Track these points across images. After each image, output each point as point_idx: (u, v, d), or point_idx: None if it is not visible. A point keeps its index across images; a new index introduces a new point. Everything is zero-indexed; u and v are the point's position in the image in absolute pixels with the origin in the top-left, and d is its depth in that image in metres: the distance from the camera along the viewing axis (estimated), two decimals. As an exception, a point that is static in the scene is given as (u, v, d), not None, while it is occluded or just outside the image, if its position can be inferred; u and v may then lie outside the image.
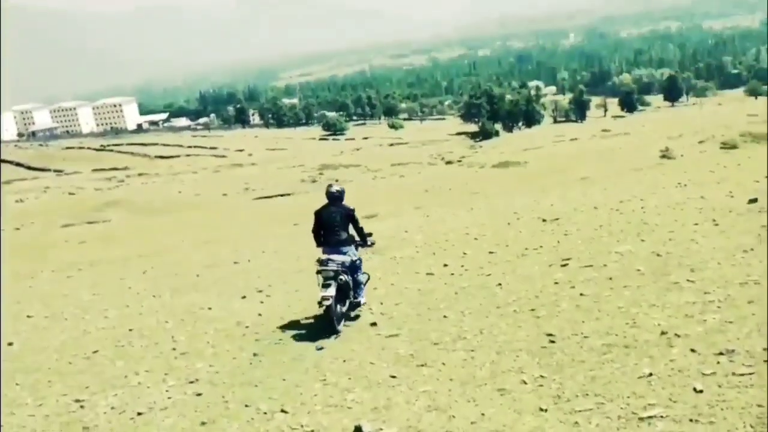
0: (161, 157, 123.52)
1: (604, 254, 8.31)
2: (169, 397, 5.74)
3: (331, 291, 7.12)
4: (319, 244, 8.01)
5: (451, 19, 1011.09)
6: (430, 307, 7.31)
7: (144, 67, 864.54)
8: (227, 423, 4.95)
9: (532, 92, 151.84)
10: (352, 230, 8.06)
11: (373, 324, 6.99)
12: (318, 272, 7.47)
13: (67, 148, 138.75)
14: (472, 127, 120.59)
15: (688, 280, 6.36)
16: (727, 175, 14.94)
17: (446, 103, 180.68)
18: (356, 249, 8.01)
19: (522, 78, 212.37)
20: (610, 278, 7.06)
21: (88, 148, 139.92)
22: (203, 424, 5.00)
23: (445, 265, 9.60)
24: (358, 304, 7.83)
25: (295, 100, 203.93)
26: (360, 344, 6.38)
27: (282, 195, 63.61)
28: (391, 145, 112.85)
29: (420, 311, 7.24)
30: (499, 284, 7.77)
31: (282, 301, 8.99)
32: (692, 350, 4.56)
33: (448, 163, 75.84)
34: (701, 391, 3.85)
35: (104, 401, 5.92)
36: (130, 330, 8.62)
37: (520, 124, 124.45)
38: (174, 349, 7.35)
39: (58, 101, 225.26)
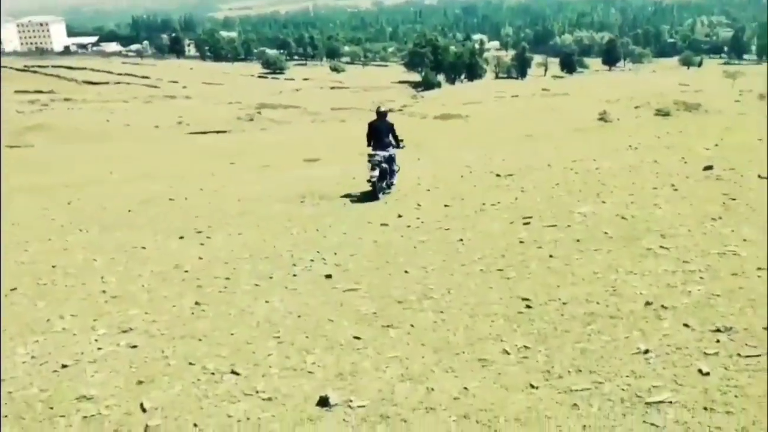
0: (89, 82, 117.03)
1: (566, 214, 8.04)
2: (99, 348, 5.07)
3: (376, 172, 11.07)
4: (368, 145, 11.74)
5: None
6: (388, 261, 6.85)
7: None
8: (168, 383, 4.33)
9: (476, 46, 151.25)
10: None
11: (328, 276, 6.47)
12: (368, 161, 11.29)
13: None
14: (415, 77, 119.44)
15: (661, 247, 6.13)
16: (675, 141, 15.02)
17: (390, 49, 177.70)
18: (393, 149, 11.84)
19: (466, 30, 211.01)
20: (578, 240, 6.77)
21: (10, 67, 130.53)
22: (140, 383, 4.37)
23: (400, 216, 9.15)
24: (392, 185, 11.66)
25: (233, 34, 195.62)
26: (315, 298, 5.85)
27: (218, 132, 61.56)
28: (332, 88, 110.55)
29: (378, 264, 6.77)
30: (461, 240, 7.37)
31: (224, 245, 8.34)
32: (685, 325, 4.28)
33: (390, 111, 75.14)
34: (708, 374, 3.56)
35: (23, 348, 5.21)
36: (53, 266, 7.80)
37: (462, 76, 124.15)
38: (104, 291, 6.63)
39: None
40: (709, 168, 9.95)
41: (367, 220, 9.09)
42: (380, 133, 11.67)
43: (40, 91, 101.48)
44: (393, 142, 11.81)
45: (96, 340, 5.23)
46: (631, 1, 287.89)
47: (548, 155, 14.77)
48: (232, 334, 5.08)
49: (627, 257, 5.93)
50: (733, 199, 7.71)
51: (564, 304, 4.94)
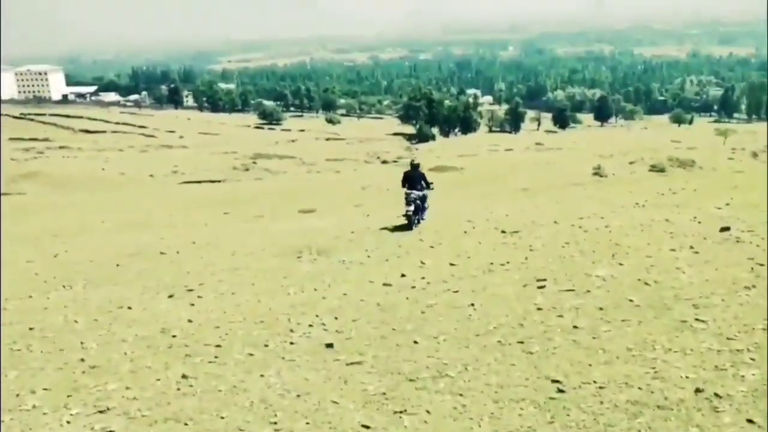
0: (86, 131, 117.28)
1: (582, 277, 7.54)
2: (69, 433, 4.46)
3: (412, 207, 13.30)
4: (403, 187, 13.90)
5: (395, 20, 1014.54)
6: (394, 328, 6.29)
7: (74, 36, 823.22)
8: (146, 480, 3.73)
9: (470, 100, 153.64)
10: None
11: (329, 345, 5.89)
12: (405, 198, 13.44)
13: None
14: (410, 129, 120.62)
15: (697, 319, 5.61)
16: (681, 199, 14.66)
17: (385, 102, 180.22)
18: (425, 190, 14.03)
19: (461, 85, 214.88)
20: (601, 308, 6.25)
21: (7, 115, 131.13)
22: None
23: (403, 275, 8.62)
24: (422, 219, 13.81)
25: (231, 86, 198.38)
26: (315, 372, 5.25)
27: (212, 181, 61.33)
28: (328, 139, 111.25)
29: (383, 332, 6.21)
30: (472, 305, 6.84)
31: (216, 305, 7.76)
32: (749, 421, 3.74)
33: (384, 162, 75.29)
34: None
35: (-14, 427, 4.58)
36: (31, 329, 7.19)
37: (456, 130, 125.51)
38: (82, 360, 6.02)
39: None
40: (726, 229, 9.53)
41: (368, 279, 8.55)
42: (414, 179, 14.07)
43: (36, 139, 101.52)
44: (425, 186, 14.17)
45: (68, 422, 4.60)
46: (621, 60, 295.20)
47: (551, 211, 14.36)
48: (222, 418, 4.47)
49: (661, 331, 5.40)
50: (761, 265, 7.24)
51: (601, 388, 4.37)
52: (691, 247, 8.56)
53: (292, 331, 6.43)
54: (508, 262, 8.74)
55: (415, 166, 14.56)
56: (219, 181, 61.11)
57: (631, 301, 6.34)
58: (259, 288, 8.52)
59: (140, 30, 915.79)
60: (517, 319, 6.19)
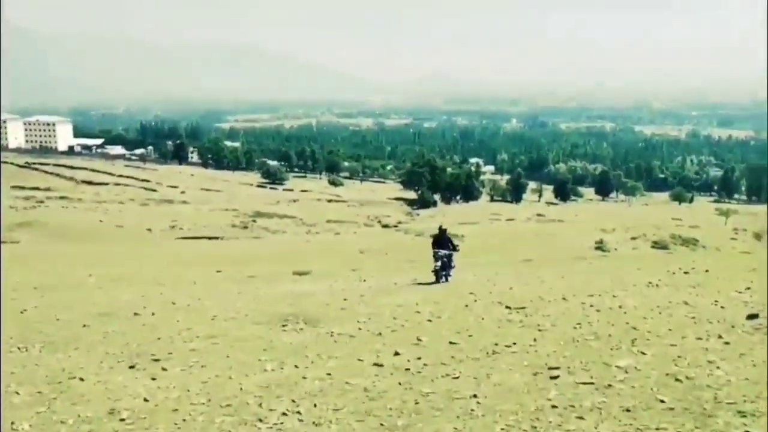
0: (88, 182, 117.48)
1: (600, 367, 6.59)
2: None
3: (439, 263, 15.46)
4: (433, 247, 15.89)
5: (401, 87, 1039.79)
6: (383, 423, 5.31)
7: (86, 91, 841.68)
8: None
9: (473, 168, 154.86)
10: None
11: (305, 441, 4.92)
12: (434, 256, 15.63)
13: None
14: (411, 195, 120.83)
15: (749, 432, 4.67)
16: (697, 280, 13.78)
17: (388, 167, 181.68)
18: (451, 251, 16.11)
19: (464, 154, 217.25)
20: (628, 410, 5.29)
21: (11, 163, 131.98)
22: None
23: (397, 354, 7.66)
24: (449, 275, 15.60)
25: (237, 144, 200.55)
26: (281, 480, 4.28)
27: (210, 237, 60.69)
28: (329, 201, 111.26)
29: (370, 426, 5.24)
30: (474, 396, 5.87)
31: (180, 381, 6.78)
32: None
33: (385, 226, 74.77)
34: None
35: None
36: (-35, 400, 6.20)
37: (458, 197, 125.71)
38: (8, 444, 5.04)
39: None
40: (754, 317, 8.62)
41: (357, 357, 7.59)
42: (442, 241, 16.12)
43: (37, 188, 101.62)
44: (452, 247, 16.33)
45: None
46: (622, 136, 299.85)
47: (558, 285, 13.46)
48: None
49: (707, 445, 4.45)
50: (806, 361, 6.33)
51: None
52: (720, 336, 7.63)
53: (261, 420, 5.44)
54: (514, 344, 7.80)
55: (443, 231, 17.00)
56: (217, 238, 60.42)
57: (662, 401, 5.39)
58: (233, 361, 7.55)
59: (152, 86, 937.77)
60: (528, 418, 5.22)
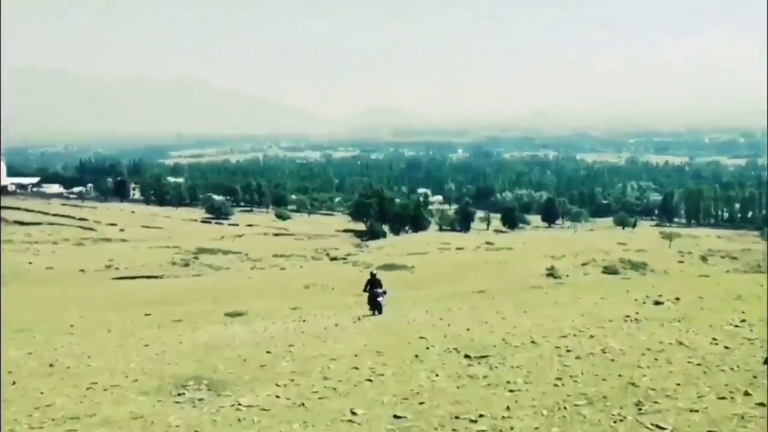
0: (19, 222, 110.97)
1: (604, 451, 4.63)
2: None
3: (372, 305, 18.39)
4: (364, 290, 19.42)
5: (348, 120, 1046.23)
6: None
7: (22, 128, 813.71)
8: None
9: (421, 198, 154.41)
10: None
11: None
12: (367, 293, 19.10)
13: None
14: (360, 226, 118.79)
15: None
16: (677, 312, 12.14)
17: (336, 200, 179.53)
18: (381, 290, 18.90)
19: (411, 184, 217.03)
20: None
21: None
22: None
23: (320, 438, 5.53)
24: (381, 312, 17.90)
25: (180, 179, 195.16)
26: None
27: (148, 277, 57.09)
28: (276, 235, 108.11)
29: None
30: None
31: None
32: None
33: (333, 259, 72.37)
34: None
35: None
36: None
37: (407, 227, 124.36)
38: None
39: None
40: (772, 360, 6.87)
41: (265, 447, 5.42)
42: (374, 283, 18.85)
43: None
44: (381, 287, 18.93)
45: None
46: (565, 164, 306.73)
47: (521, 324, 11.59)
48: None
49: None
50: None
51: None
52: (747, 393, 5.82)
53: None
54: (481, 416, 5.77)
55: (373, 275, 19.43)
56: (156, 277, 56.91)
57: None
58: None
59: (93, 124, 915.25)
60: None
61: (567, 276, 52.84)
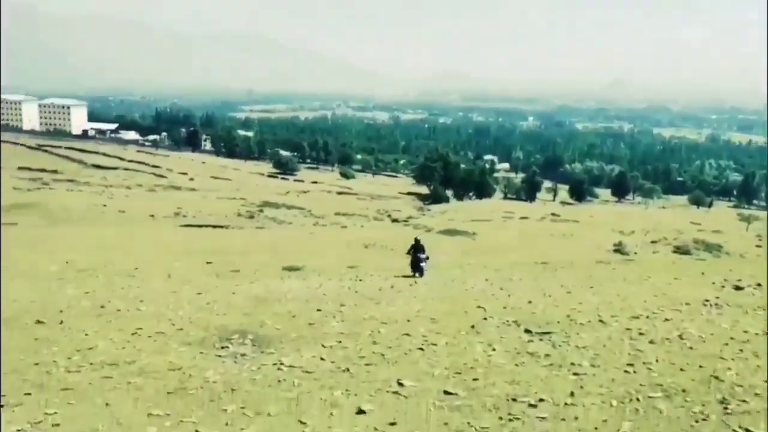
0: (97, 166, 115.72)
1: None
2: None
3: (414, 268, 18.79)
4: (407, 253, 19.79)
5: (418, 83, 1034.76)
6: None
7: (105, 77, 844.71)
8: None
9: (487, 165, 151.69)
10: None
11: None
12: (409, 254, 19.57)
13: (1, 141, 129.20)
14: (424, 190, 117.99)
15: None
16: (760, 298, 11.06)
17: (402, 161, 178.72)
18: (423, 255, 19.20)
19: (478, 150, 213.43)
20: None
21: (23, 144, 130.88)
22: None
23: (361, 412, 5.07)
24: (423, 272, 18.77)
25: (250, 133, 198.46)
26: None
27: (213, 226, 58.38)
28: (340, 193, 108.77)
29: None
30: None
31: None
32: None
33: (395, 221, 72.11)
34: None
35: None
36: None
37: (471, 194, 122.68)
38: None
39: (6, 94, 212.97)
40: None
41: (302, 415, 5.02)
42: (417, 248, 19.25)
43: (44, 170, 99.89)
44: (425, 253, 19.37)
45: None
46: (640, 138, 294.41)
47: (588, 300, 10.81)
48: None
49: None
50: None
51: None
52: None
53: None
54: (541, 400, 5.20)
55: (417, 240, 19.94)
56: (221, 227, 58.14)
57: None
58: (114, 410, 5.02)
59: (171, 75, 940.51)
60: None
61: (635, 253, 50.78)
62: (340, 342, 7.34)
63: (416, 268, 19.04)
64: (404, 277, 16.78)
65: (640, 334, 7.60)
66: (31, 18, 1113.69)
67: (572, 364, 6.32)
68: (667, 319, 8.53)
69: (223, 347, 7.09)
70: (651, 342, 7.19)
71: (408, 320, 8.63)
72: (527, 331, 7.88)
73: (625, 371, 6.01)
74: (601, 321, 8.45)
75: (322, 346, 7.18)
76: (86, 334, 7.67)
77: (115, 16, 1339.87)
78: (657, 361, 6.38)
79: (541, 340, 7.41)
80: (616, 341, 7.25)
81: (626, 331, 7.81)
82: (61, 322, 8.36)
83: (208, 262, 26.50)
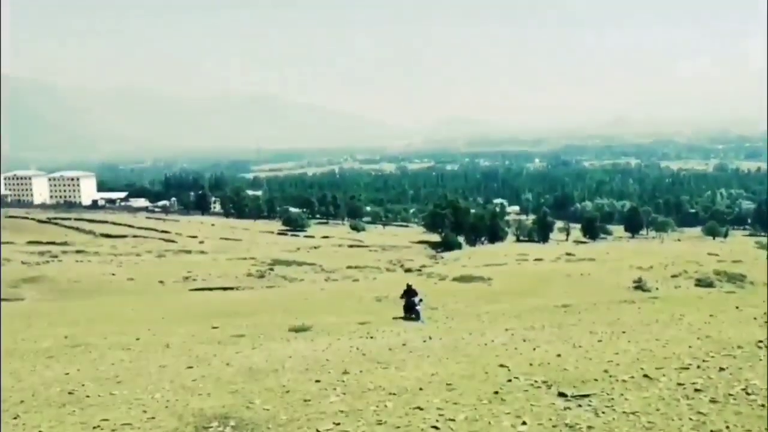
0: (106, 235, 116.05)
1: None
2: None
3: (409, 311, 21.86)
4: (401, 297, 22.62)
5: (423, 131, 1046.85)
6: None
7: (114, 145, 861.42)
8: None
9: (497, 209, 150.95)
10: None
11: None
12: (403, 300, 22.40)
13: (10, 216, 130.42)
14: (435, 237, 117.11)
15: None
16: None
17: (411, 210, 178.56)
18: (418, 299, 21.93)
19: (487, 194, 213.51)
20: None
21: (32, 218, 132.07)
22: None
23: None
24: (420, 314, 21.13)
25: (259, 192, 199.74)
26: None
27: (223, 288, 57.55)
28: (351, 246, 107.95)
29: None
30: None
31: None
32: None
33: (407, 270, 70.93)
34: None
35: None
36: None
37: (483, 238, 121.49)
38: None
39: (17, 169, 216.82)
40: None
41: None
42: (410, 292, 21.69)
43: (53, 243, 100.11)
44: (417, 296, 21.71)
45: None
46: (648, 172, 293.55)
47: (624, 348, 9.56)
48: None
49: None
50: None
51: None
52: None
53: None
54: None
55: (409, 286, 22.54)
56: (231, 288, 57.23)
57: None
58: None
59: (179, 140, 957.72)
60: None
61: (656, 289, 49.15)
62: (338, 424, 6.13)
63: (411, 311, 20.97)
64: (432, 333, 15.34)
65: (696, 390, 6.36)
66: (41, 92, 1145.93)
67: (624, 440, 5.09)
68: (722, 369, 7.28)
69: (196, 437, 5.91)
70: (712, 401, 5.95)
71: (420, 388, 7.40)
72: (561, 394, 6.64)
73: (694, 447, 4.78)
74: (646, 376, 7.20)
75: (317, 431, 5.98)
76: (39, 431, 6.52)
77: (126, 85, 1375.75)
78: (728, 428, 5.15)
79: (579, 405, 6.18)
80: (670, 402, 6.01)
81: (679, 387, 6.56)
82: (16, 417, 7.21)
83: (214, 327, 25.35)
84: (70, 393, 8.46)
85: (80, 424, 6.71)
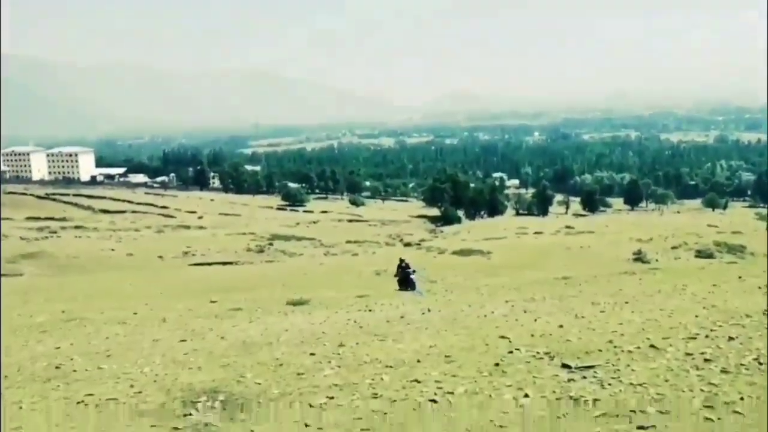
0: (105, 211, 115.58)
1: None
2: None
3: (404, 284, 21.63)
4: (396, 275, 22.40)
5: (422, 106, 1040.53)
6: None
7: (112, 122, 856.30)
8: None
9: (496, 183, 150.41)
10: None
11: None
12: (398, 273, 22.23)
13: (9, 192, 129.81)
14: (434, 211, 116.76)
15: None
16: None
17: (410, 185, 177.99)
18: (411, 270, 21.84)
19: (486, 169, 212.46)
20: None
21: (31, 194, 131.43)
22: None
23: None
24: (416, 284, 20.88)
25: (257, 168, 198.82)
26: None
27: (222, 263, 57.49)
28: (350, 221, 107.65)
29: None
30: None
31: None
32: None
33: (407, 245, 70.77)
34: None
35: None
36: None
37: (482, 212, 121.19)
38: None
39: (16, 146, 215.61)
40: None
41: None
42: (405, 266, 21.61)
43: (52, 218, 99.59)
44: (410, 268, 21.67)
45: None
46: (648, 145, 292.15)
47: (628, 318, 9.29)
48: None
49: None
50: None
51: None
52: None
53: None
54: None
55: (402, 261, 22.40)
56: (230, 263, 57.14)
57: None
58: None
59: (178, 116, 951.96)
60: None
61: (657, 260, 49.05)
62: (332, 398, 5.85)
63: (407, 283, 20.84)
64: (431, 306, 15.05)
65: (706, 360, 6.08)
66: (39, 70, 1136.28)
67: (632, 411, 4.81)
68: (731, 338, 7.01)
69: (185, 415, 5.64)
70: (724, 371, 5.68)
71: (418, 360, 7.13)
72: (565, 365, 6.37)
73: (707, 418, 4.50)
74: (652, 346, 6.92)
75: (309, 405, 5.70)
76: (20, 407, 6.24)
77: (123, 61, 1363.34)
78: (742, 399, 4.87)
79: (584, 377, 5.90)
80: (679, 373, 5.73)
81: (687, 357, 6.29)
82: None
83: (212, 301, 25.18)
84: (57, 367, 8.20)
85: (63, 399, 6.45)
